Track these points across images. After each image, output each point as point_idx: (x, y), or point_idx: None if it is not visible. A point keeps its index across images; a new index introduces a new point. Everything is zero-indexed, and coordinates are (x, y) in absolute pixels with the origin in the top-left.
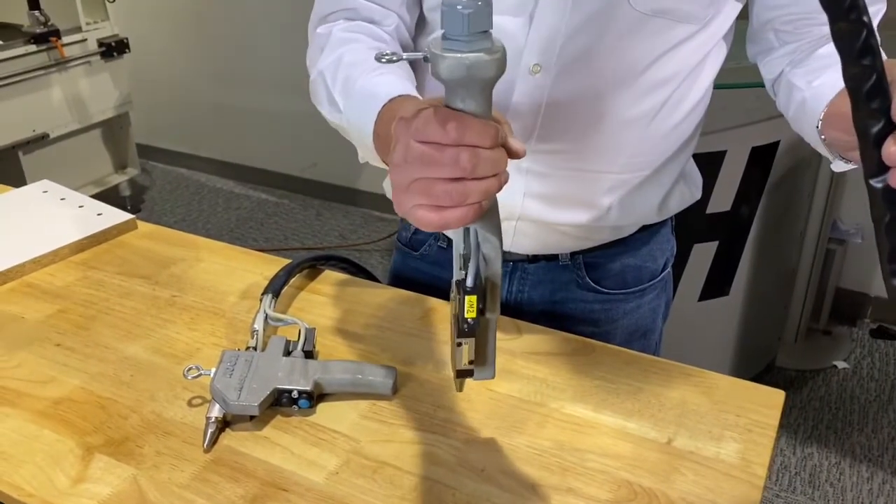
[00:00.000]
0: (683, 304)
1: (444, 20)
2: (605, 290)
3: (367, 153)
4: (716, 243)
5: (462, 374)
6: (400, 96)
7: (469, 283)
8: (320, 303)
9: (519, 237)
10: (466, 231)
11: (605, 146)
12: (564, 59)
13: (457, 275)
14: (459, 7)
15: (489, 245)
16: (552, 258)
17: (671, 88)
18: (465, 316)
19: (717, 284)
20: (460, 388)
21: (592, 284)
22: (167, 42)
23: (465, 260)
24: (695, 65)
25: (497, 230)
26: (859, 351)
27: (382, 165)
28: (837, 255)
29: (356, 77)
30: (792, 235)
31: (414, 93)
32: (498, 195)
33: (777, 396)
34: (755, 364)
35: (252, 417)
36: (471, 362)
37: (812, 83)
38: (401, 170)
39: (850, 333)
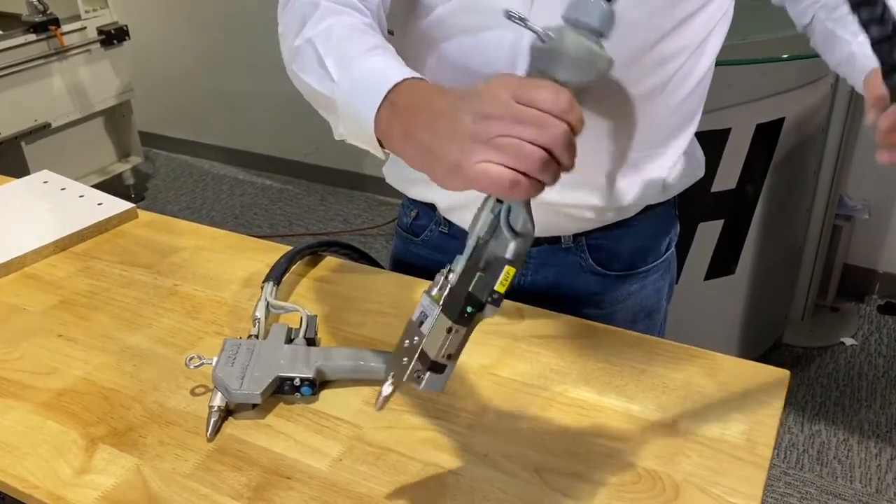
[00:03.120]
0: (689, 284)
1: (578, 9)
2: (609, 272)
3: (352, 126)
4: (721, 222)
5: (422, 371)
6: (422, 79)
7: (510, 255)
8: (322, 289)
9: None
10: (507, 210)
11: (611, 125)
12: None
13: (465, 258)
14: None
15: (529, 227)
16: (555, 241)
17: (679, 63)
18: (496, 288)
19: (723, 263)
20: (381, 407)
21: (595, 267)
22: (167, 29)
23: (479, 245)
24: (702, 39)
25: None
26: (867, 327)
27: (358, 143)
28: (844, 232)
29: (354, 52)
30: (798, 212)
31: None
32: None
33: (782, 376)
34: (762, 342)
35: (255, 405)
36: (448, 356)
37: (858, 36)
38: (487, 122)
39: (857, 310)
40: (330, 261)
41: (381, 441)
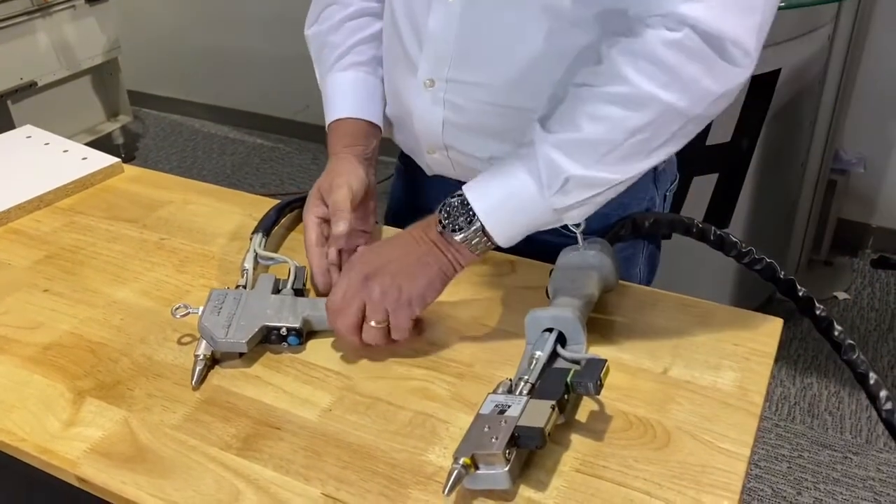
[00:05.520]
0: (683, 238)
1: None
2: (569, 233)
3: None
4: (715, 176)
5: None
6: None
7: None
8: (295, 239)
9: (458, 168)
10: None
11: (525, 81)
12: None
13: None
14: None
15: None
16: None
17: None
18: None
19: (717, 217)
20: (451, 490)
21: (556, 226)
22: None
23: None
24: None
25: None
26: (860, 281)
27: None
28: (839, 186)
29: (327, 66)
30: (793, 166)
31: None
32: (420, 122)
33: (775, 325)
34: (756, 296)
35: (241, 355)
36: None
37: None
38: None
39: (851, 264)
40: None
41: (372, 391)
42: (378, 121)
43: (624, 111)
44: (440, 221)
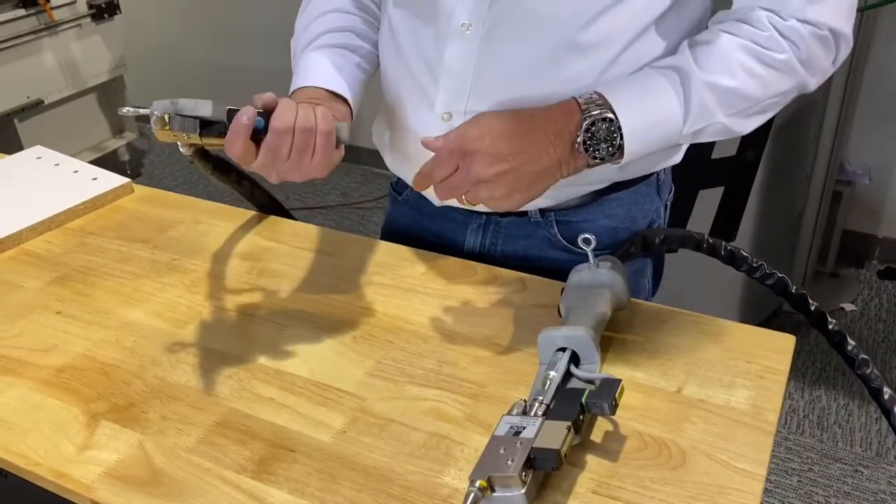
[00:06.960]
0: (689, 252)
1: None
2: (579, 250)
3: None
4: (721, 189)
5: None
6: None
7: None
8: (305, 258)
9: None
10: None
11: (545, 101)
12: (494, 16)
13: (549, 394)
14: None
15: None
16: (522, 214)
17: (618, 49)
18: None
19: (723, 230)
20: None
21: (565, 243)
22: (159, 2)
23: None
24: (642, 27)
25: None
26: (867, 292)
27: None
28: (845, 197)
29: (300, 47)
30: (798, 178)
31: (318, 80)
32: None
33: (787, 342)
34: (763, 309)
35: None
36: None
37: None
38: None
39: (857, 275)
40: (294, 225)
41: (385, 412)
42: (343, 91)
43: (778, 76)
44: (583, 142)
